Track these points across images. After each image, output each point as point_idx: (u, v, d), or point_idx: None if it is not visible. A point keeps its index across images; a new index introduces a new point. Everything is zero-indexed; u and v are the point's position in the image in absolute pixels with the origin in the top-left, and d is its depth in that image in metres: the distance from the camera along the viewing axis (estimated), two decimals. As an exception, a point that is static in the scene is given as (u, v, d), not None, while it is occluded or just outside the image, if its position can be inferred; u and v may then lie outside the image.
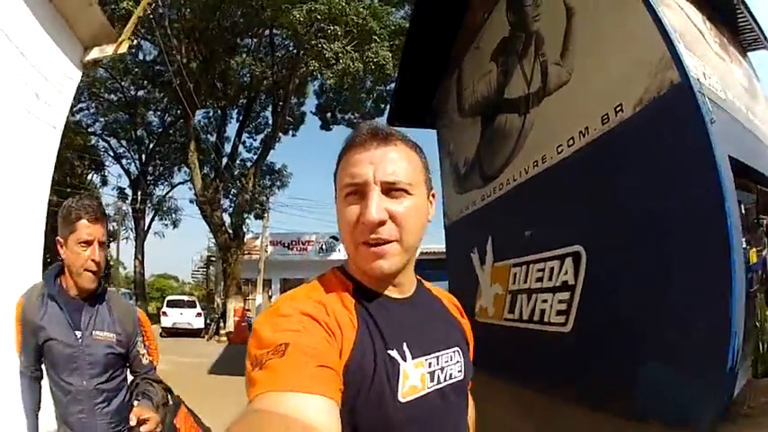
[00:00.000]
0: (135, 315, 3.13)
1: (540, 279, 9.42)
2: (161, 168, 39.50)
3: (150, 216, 39.79)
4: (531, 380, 9.15)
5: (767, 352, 6.17)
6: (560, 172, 9.05)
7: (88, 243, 2.75)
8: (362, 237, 1.24)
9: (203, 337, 27.88)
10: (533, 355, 9.47)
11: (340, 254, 34.39)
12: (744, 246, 7.28)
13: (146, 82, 30.66)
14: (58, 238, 2.79)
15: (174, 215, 41.37)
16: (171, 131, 35.59)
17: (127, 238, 38.99)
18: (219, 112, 31.92)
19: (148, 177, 38.31)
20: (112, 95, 32.96)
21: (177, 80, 24.87)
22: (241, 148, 34.19)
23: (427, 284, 1.53)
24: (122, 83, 30.58)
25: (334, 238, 34.89)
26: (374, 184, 1.23)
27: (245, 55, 26.88)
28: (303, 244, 35.68)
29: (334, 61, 22.93)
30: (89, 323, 2.86)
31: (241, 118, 32.53)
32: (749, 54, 10.97)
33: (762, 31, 10.69)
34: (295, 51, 24.88)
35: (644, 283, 6.86)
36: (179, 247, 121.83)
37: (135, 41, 24.56)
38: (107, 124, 34.45)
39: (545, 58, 9.68)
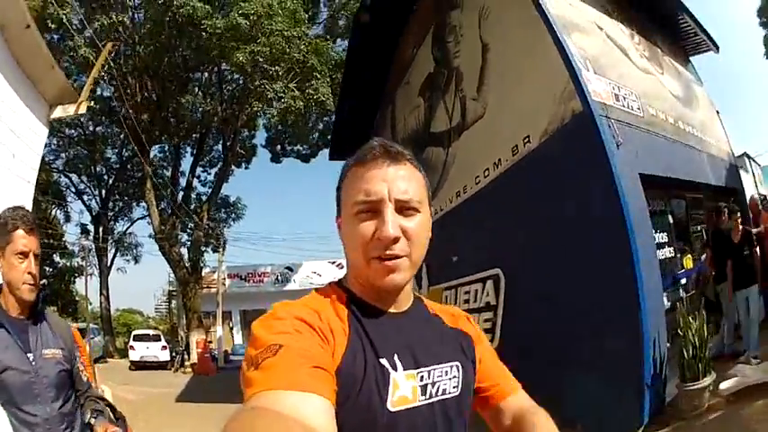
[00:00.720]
0: (70, 331, 2.94)
1: (467, 301, 9.81)
2: (120, 204, 38.86)
3: (112, 252, 38.83)
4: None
5: (691, 358, 6.16)
6: (478, 202, 9.48)
7: (24, 255, 2.57)
8: (376, 252, 1.21)
9: (170, 369, 27.37)
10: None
11: (295, 284, 34.41)
12: (671, 255, 8.03)
13: (103, 118, 30.31)
14: None
15: (134, 251, 40.21)
16: (129, 167, 34.73)
17: (91, 273, 38.30)
18: (173, 147, 31.63)
19: (109, 213, 37.53)
20: (72, 130, 32.34)
21: (132, 116, 24.91)
22: (196, 182, 33.98)
23: (427, 301, 1.48)
24: (81, 119, 30.22)
25: (288, 268, 34.89)
26: (389, 202, 1.21)
27: (196, 90, 27.07)
28: (259, 276, 35.49)
29: (276, 101, 23.19)
30: (37, 343, 2.64)
31: (194, 153, 32.28)
32: (696, 57, 11.73)
33: (707, 35, 11.17)
34: (242, 88, 24.91)
35: (558, 299, 7.14)
36: (142, 282, 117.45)
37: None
38: (68, 160, 33.76)
39: (464, 93, 10.04)
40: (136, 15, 23.82)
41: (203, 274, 33.21)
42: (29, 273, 2.57)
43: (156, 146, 31.13)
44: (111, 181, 36.27)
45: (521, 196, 8.17)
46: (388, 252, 1.19)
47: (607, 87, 7.31)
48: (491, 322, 8.87)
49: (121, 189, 36.92)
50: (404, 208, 1.22)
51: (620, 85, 7.65)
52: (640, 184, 6.73)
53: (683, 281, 8.33)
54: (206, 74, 26.15)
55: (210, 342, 29.04)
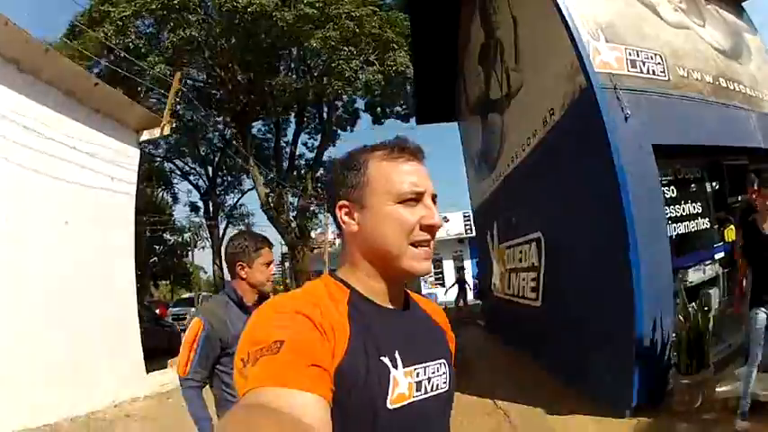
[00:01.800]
0: None
1: (520, 260, 10.11)
2: (229, 178, 39.90)
3: (224, 224, 40.43)
4: (516, 342, 10.61)
5: (685, 350, 5.98)
6: (523, 169, 9.65)
7: (268, 264, 3.35)
8: (420, 237, 1.26)
9: None
10: (519, 322, 10.62)
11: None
12: (706, 227, 7.60)
13: (200, 105, 31.45)
14: (240, 262, 3.29)
15: (246, 220, 42.00)
16: (234, 142, 35.88)
17: (203, 246, 39.94)
18: (273, 123, 32.46)
19: (218, 189, 38.97)
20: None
21: (225, 99, 26.52)
22: (304, 149, 34.74)
23: (414, 295, 1.48)
24: (178, 110, 31.18)
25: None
26: (430, 194, 1.29)
27: (285, 71, 27.53)
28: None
29: (354, 78, 23.58)
30: None
31: (294, 125, 33.26)
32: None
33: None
34: (325, 66, 25.42)
35: (582, 268, 7.28)
36: None
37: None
38: (169, 147, 34.69)
39: (506, 64, 10.07)
40: (204, 25, 24.49)
41: (313, 235, 34.46)
42: (272, 274, 3.41)
43: (259, 120, 32.16)
44: (216, 159, 37.43)
45: (548, 167, 8.32)
46: (429, 239, 1.27)
47: (621, 55, 7.09)
48: (535, 281, 9.16)
49: (228, 164, 37.72)
50: (434, 200, 1.30)
51: (640, 49, 7.32)
52: (652, 156, 6.58)
53: (720, 255, 7.64)
54: (292, 55, 26.53)
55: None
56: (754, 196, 5.55)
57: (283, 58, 27.06)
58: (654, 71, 7.25)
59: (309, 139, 34.80)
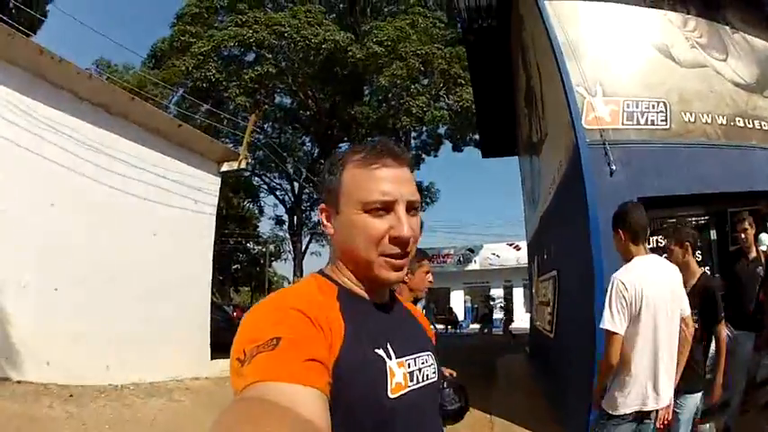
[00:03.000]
0: None
1: (544, 294, 10.50)
2: (315, 194, 39.28)
3: (307, 239, 39.85)
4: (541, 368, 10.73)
5: None
6: (549, 211, 10.01)
7: (427, 272, 3.71)
8: (389, 249, 1.21)
9: None
10: (543, 351, 10.89)
11: (476, 264, 35.22)
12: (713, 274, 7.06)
13: (287, 126, 32.85)
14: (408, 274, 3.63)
15: (329, 237, 41.98)
16: (321, 161, 36.20)
17: (285, 259, 40.66)
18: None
19: (304, 204, 38.54)
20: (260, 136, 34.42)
21: (313, 119, 28.04)
22: None
23: (394, 294, 1.47)
24: (267, 130, 32.10)
25: (470, 250, 35.65)
26: (402, 203, 1.22)
27: (365, 102, 28.20)
28: (443, 257, 36.54)
29: (421, 114, 24.04)
30: None
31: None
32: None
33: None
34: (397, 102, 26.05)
35: (579, 308, 7.29)
36: None
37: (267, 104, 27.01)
38: (257, 163, 34.11)
39: (538, 110, 10.30)
40: (280, 63, 25.53)
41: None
42: (428, 284, 3.73)
43: (343, 144, 33.02)
44: (302, 177, 38.17)
45: (560, 213, 8.66)
46: (400, 251, 1.21)
47: (617, 108, 7.24)
48: (551, 315, 9.45)
49: (315, 181, 38.08)
50: (410, 208, 1.24)
51: (641, 99, 7.36)
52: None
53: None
54: (371, 86, 27.12)
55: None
56: None
57: (361, 91, 27.74)
58: (653, 121, 7.28)
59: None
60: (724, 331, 4.40)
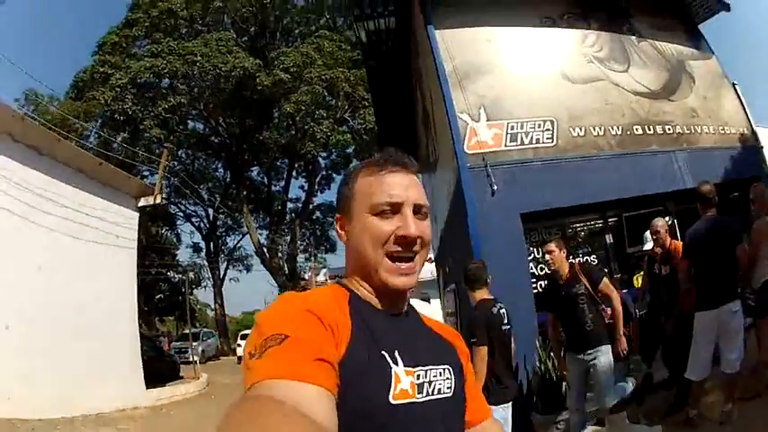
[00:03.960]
0: None
1: (449, 307, 10.49)
2: (229, 220, 39.09)
3: (224, 265, 39.64)
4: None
5: (541, 390, 6.36)
6: (446, 228, 10.24)
7: None
8: (393, 248, 1.22)
9: None
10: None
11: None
12: (612, 275, 7.56)
13: (200, 152, 32.50)
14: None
15: (245, 261, 41.34)
16: (233, 186, 35.40)
17: (205, 286, 40.03)
18: (265, 172, 33.07)
19: (219, 230, 38.90)
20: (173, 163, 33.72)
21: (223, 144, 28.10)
22: (301, 193, 35.31)
23: (419, 312, 1.45)
24: (181, 156, 31.73)
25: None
26: (408, 205, 1.23)
27: (272, 128, 28.28)
28: (356, 275, 36.82)
29: (325, 139, 24.57)
30: None
31: (285, 175, 33.86)
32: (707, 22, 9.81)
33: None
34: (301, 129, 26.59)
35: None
36: (260, 286, 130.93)
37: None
38: (172, 191, 32.86)
39: (432, 132, 10.49)
40: (193, 90, 25.69)
41: (307, 277, 35.10)
42: None
43: (254, 168, 32.95)
44: (216, 202, 37.63)
45: (453, 232, 8.92)
46: (406, 251, 1.22)
47: (501, 131, 7.52)
48: (455, 326, 9.34)
49: (229, 206, 37.05)
50: (418, 211, 1.24)
51: (527, 119, 7.66)
52: (518, 223, 7.04)
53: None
54: (277, 112, 27.21)
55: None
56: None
57: (270, 115, 27.78)
58: (539, 139, 7.58)
59: (305, 184, 35.09)
60: (610, 288, 5.16)
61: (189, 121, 29.70)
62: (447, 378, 1.27)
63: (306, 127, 24.60)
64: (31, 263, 10.44)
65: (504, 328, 4.58)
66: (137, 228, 14.41)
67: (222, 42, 24.05)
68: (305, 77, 23.01)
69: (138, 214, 14.46)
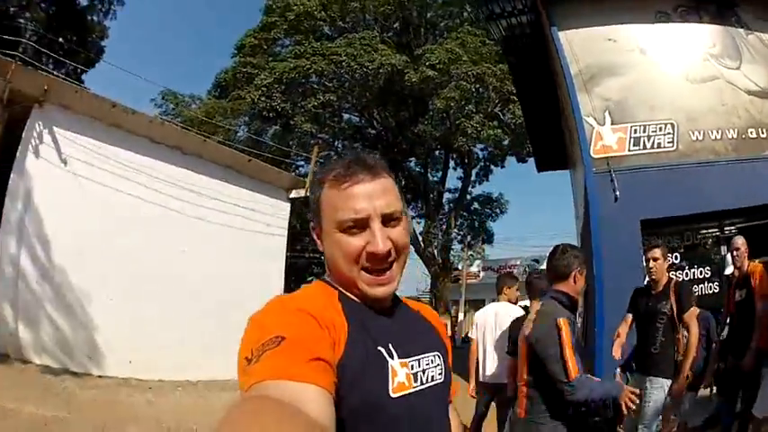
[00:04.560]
0: None
1: None
2: None
3: None
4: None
5: None
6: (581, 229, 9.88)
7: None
8: (367, 264, 1.20)
9: None
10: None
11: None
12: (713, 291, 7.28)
13: (356, 143, 32.76)
14: (579, 269, 3.34)
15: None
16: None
17: None
18: (422, 164, 33.39)
19: None
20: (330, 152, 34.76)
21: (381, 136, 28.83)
22: (459, 183, 34.72)
23: (403, 297, 1.46)
24: (338, 147, 32.95)
25: (535, 260, 35.25)
26: (376, 218, 1.20)
27: (426, 122, 28.32)
28: (510, 268, 36.16)
29: (476, 134, 24.25)
30: None
31: (442, 166, 33.81)
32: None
33: None
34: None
35: None
36: (413, 273, 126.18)
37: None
38: None
39: (568, 132, 10.35)
40: (343, 86, 26.25)
41: (460, 267, 35.28)
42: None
43: (411, 159, 33.24)
44: None
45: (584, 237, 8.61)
46: (379, 267, 1.21)
47: (625, 135, 7.43)
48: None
49: None
50: (389, 219, 1.21)
51: (649, 122, 7.49)
52: (637, 231, 6.87)
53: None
54: (431, 106, 27.00)
55: (455, 325, 31.41)
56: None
57: (424, 109, 28.01)
58: (660, 143, 7.42)
59: (463, 175, 34.94)
60: (694, 323, 4.65)
61: (344, 114, 30.41)
62: (438, 365, 1.32)
63: (457, 122, 24.51)
64: (174, 248, 11.78)
65: None
66: (287, 217, 15.50)
67: (366, 41, 24.31)
68: (452, 73, 22.94)
69: (288, 205, 15.54)
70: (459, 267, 35.80)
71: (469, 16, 25.72)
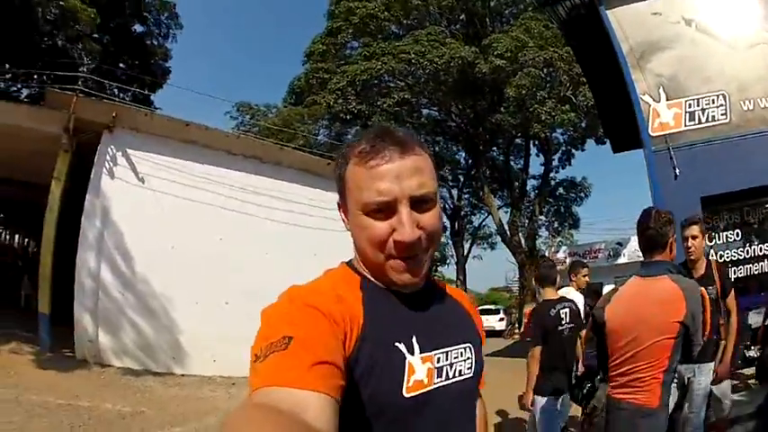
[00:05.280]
0: None
1: None
2: (473, 199, 39.60)
3: (468, 243, 40.56)
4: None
5: None
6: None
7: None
8: (395, 252, 1.10)
9: (504, 336, 30.11)
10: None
11: (625, 258, 33.87)
12: None
13: (438, 137, 33.49)
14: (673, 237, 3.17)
15: (489, 240, 41.79)
16: (473, 167, 35.47)
17: (448, 263, 40.95)
18: (503, 152, 33.08)
19: (463, 210, 39.58)
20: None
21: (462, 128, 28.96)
22: (541, 169, 34.57)
23: (440, 281, 1.38)
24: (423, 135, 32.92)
25: (619, 244, 34.35)
26: (404, 200, 1.08)
27: (504, 110, 27.69)
28: (594, 252, 35.31)
29: (550, 119, 24.01)
30: None
31: (523, 154, 33.78)
32: None
33: None
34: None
35: None
36: (501, 263, 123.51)
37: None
38: None
39: None
40: (418, 83, 26.46)
41: (547, 254, 34.78)
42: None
43: (494, 149, 33.26)
44: (460, 183, 38.32)
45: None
46: (406, 254, 1.11)
47: (680, 111, 7.17)
48: None
49: (472, 186, 38.01)
50: (419, 202, 1.11)
51: (702, 95, 7.17)
52: (699, 209, 6.50)
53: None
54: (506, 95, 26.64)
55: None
56: None
57: (501, 97, 27.53)
58: (714, 116, 7.10)
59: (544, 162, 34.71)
60: (735, 306, 4.51)
61: (423, 110, 30.63)
62: (468, 358, 1.22)
63: (530, 109, 24.28)
64: (256, 251, 12.22)
65: (560, 328, 4.58)
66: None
67: (433, 36, 24.49)
68: (520, 61, 22.80)
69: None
70: (546, 254, 35.30)
71: (532, 1, 25.31)
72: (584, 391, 3.42)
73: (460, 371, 1.19)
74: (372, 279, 1.18)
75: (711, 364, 4.37)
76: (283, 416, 0.80)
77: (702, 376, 4.35)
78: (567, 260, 33.01)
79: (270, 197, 12.82)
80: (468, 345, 1.24)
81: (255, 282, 11.32)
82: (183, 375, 10.63)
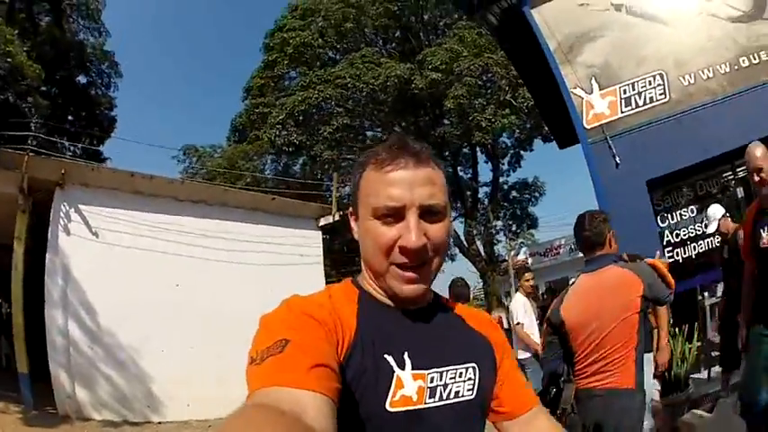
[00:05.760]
0: None
1: None
2: None
3: None
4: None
5: None
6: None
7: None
8: (399, 259, 1.10)
9: None
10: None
11: (590, 251, 34.33)
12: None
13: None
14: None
15: (448, 252, 41.42)
16: None
17: None
18: (450, 165, 33.01)
19: None
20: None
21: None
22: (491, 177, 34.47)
23: (451, 302, 1.36)
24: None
25: (579, 236, 34.72)
26: (414, 208, 1.09)
27: (446, 123, 28.25)
28: (556, 249, 35.63)
29: (490, 126, 24.15)
30: None
31: (470, 164, 33.58)
32: None
33: None
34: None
35: None
36: (463, 274, 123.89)
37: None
38: None
39: None
40: (357, 107, 26.58)
41: (508, 258, 34.88)
42: None
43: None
44: None
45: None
46: (410, 262, 1.10)
47: (615, 98, 7.19)
48: None
49: None
50: (428, 213, 1.11)
51: (637, 78, 7.19)
52: (645, 193, 6.71)
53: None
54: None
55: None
56: None
57: (441, 111, 27.87)
58: (652, 98, 7.13)
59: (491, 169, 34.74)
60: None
61: (367, 132, 30.47)
62: (469, 378, 1.18)
63: (470, 118, 24.41)
64: (217, 294, 12.06)
65: None
66: (320, 244, 15.51)
67: (367, 57, 24.59)
68: (455, 71, 22.98)
69: (319, 233, 15.53)
70: (506, 259, 35.40)
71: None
72: (551, 395, 3.40)
73: (457, 392, 1.15)
74: (372, 293, 1.18)
75: (650, 355, 4.23)
76: (283, 416, 0.79)
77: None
78: (530, 261, 33.19)
79: (219, 239, 12.65)
80: (473, 365, 1.20)
81: (215, 323, 11.47)
82: (159, 423, 10.67)
